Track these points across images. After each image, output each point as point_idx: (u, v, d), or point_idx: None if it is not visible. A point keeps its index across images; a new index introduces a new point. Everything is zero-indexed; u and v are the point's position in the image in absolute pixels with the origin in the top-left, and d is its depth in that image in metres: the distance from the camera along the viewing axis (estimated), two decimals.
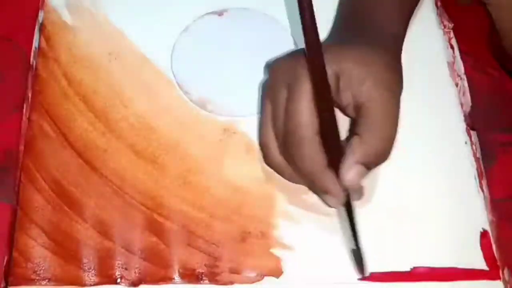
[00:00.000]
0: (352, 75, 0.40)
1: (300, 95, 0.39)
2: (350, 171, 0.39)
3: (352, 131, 0.41)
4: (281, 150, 0.41)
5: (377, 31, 0.44)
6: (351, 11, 0.48)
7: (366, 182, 0.41)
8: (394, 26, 0.46)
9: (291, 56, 0.42)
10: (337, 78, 0.40)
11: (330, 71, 0.39)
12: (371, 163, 0.40)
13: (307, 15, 0.36)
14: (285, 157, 0.41)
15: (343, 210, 0.41)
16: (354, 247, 0.40)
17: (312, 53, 0.38)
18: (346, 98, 0.41)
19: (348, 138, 0.41)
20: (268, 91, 0.42)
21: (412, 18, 0.49)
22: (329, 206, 0.42)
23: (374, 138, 0.39)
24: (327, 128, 0.39)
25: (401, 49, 0.45)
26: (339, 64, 0.40)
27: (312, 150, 0.39)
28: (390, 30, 0.45)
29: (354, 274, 0.41)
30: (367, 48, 0.42)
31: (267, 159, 0.43)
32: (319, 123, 0.39)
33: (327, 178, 0.40)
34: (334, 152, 0.40)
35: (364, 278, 0.41)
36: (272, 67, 0.43)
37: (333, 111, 0.39)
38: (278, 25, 0.50)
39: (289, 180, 0.43)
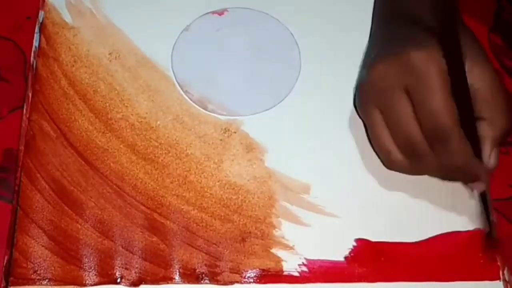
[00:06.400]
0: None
1: (433, 93, 0.39)
2: (492, 156, 0.41)
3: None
4: (403, 151, 0.42)
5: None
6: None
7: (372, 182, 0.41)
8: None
9: (394, 55, 0.41)
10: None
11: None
12: (502, 143, 0.41)
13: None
14: (408, 157, 0.42)
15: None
16: (489, 220, 0.42)
17: (450, 44, 0.39)
18: None
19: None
20: (375, 97, 0.42)
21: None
22: (477, 191, 0.43)
23: (502, 118, 0.41)
24: (467, 118, 0.40)
25: None
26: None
27: (461, 143, 0.40)
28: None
29: (353, 274, 0.41)
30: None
31: (391, 163, 0.43)
32: (460, 114, 0.39)
33: (477, 166, 0.41)
34: (475, 139, 0.41)
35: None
36: (375, 70, 0.42)
37: (470, 99, 0.40)
38: (279, 25, 0.50)
39: (415, 174, 0.43)
